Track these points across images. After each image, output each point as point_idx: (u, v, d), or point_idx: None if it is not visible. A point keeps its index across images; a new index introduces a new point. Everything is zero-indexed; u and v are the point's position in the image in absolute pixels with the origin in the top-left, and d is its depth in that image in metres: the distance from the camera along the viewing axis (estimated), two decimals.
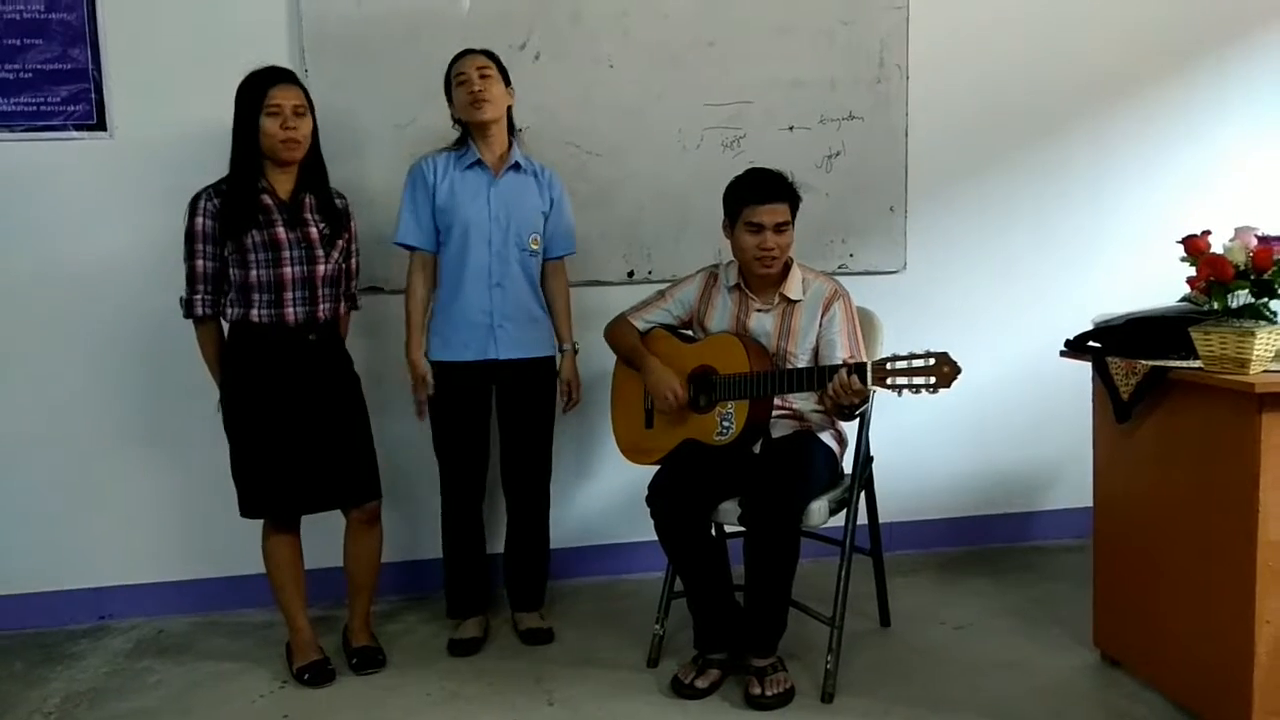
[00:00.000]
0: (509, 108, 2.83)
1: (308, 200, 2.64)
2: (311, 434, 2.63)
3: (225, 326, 2.67)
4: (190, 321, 2.64)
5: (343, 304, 2.76)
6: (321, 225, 2.64)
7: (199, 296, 2.60)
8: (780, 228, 2.57)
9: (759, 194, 2.57)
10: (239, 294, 2.60)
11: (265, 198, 2.58)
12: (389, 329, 3.05)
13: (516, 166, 2.83)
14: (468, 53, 2.78)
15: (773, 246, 2.57)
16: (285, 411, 2.61)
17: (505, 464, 2.95)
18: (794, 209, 2.62)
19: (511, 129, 2.87)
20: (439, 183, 2.79)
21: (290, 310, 2.60)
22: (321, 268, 2.63)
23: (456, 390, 2.84)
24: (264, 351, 2.61)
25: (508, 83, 2.81)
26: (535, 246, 2.85)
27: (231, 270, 2.59)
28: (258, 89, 2.54)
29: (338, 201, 2.71)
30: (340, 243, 2.69)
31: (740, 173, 2.66)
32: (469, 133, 2.81)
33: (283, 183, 2.62)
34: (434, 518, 2.96)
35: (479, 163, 2.79)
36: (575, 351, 2.95)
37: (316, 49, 3.08)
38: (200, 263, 2.58)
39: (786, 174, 2.64)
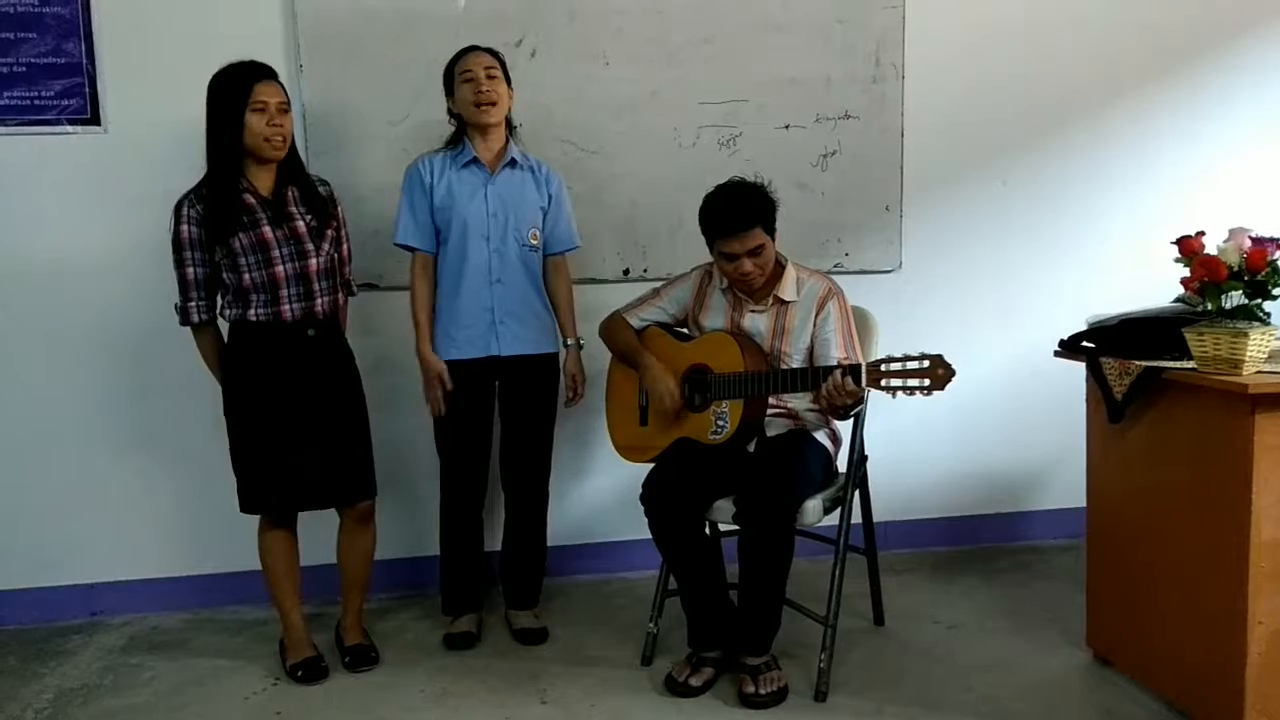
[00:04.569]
0: (509, 107, 2.83)
1: (291, 194, 2.62)
2: (309, 432, 2.62)
3: (224, 326, 2.66)
4: (188, 327, 2.63)
5: (340, 294, 2.75)
6: (308, 217, 2.62)
7: (193, 304, 2.58)
8: (755, 251, 2.53)
9: (726, 227, 2.52)
10: (235, 296, 2.59)
11: (247, 197, 2.56)
12: (385, 325, 3.05)
13: (513, 163, 2.82)
14: (474, 50, 2.77)
15: (750, 271, 2.55)
16: (284, 409, 2.60)
17: (505, 460, 2.94)
18: (770, 222, 2.56)
19: (510, 127, 2.87)
20: (436, 183, 2.78)
21: (287, 307, 2.58)
22: (313, 261, 2.61)
23: (460, 387, 2.83)
24: (263, 350, 2.60)
25: (509, 83, 2.81)
26: (535, 242, 2.84)
27: (225, 275, 2.57)
28: (241, 85, 2.51)
29: (321, 189, 2.70)
30: (329, 232, 2.67)
31: (711, 191, 2.58)
32: (464, 129, 2.81)
33: (263, 179, 2.60)
34: (429, 515, 2.96)
35: (475, 161, 2.79)
36: (580, 346, 2.94)
37: (311, 45, 3.08)
38: (190, 270, 2.56)
39: (760, 180, 2.59)
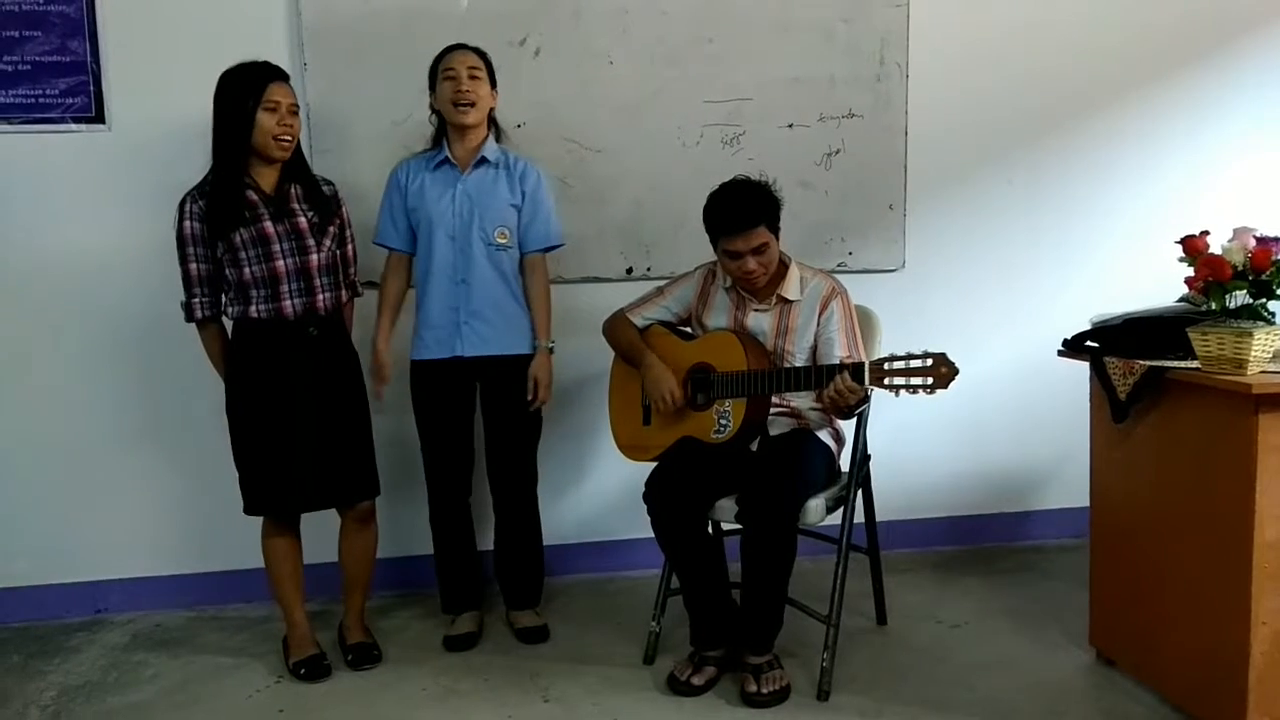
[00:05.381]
0: (490, 108, 2.82)
1: (294, 191, 2.63)
2: (309, 431, 2.62)
3: (229, 325, 2.66)
4: (193, 324, 2.64)
5: (343, 292, 2.75)
6: (310, 214, 2.63)
7: (196, 300, 2.60)
8: (759, 250, 2.53)
9: (729, 225, 2.52)
10: (237, 292, 2.59)
11: (250, 193, 2.56)
12: None
13: (484, 161, 2.81)
14: (460, 48, 2.77)
15: (754, 269, 2.55)
16: (284, 408, 2.60)
17: (490, 461, 2.93)
18: (774, 221, 2.56)
19: (493, 127, 2.86)
20: (409, 184, 2.81)
21: (287, 303, 2.59)
22: (314, 257, 2.62)
23: (434, 388, 2.85)
24: (265, 348, 2.61)
25: (494, 85, 2.81)
26: (503, 240, 2.81)
27: (227, 270, 2.58)
28: (256, 83, 2.52)
29: (325, 188, 2.70)
30: (331, 229, 2.68)
31: (715, 189, 2.59)
32: (444, 126, 2.81)
33: (267, 177, 2.60)
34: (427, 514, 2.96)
35: (447, 160, 2.79)
36: (550, 350, 2.89)
37: (316, 44, 3.08)
38: (193, 266, 2.57)
39: (766, 179, 2.59)
